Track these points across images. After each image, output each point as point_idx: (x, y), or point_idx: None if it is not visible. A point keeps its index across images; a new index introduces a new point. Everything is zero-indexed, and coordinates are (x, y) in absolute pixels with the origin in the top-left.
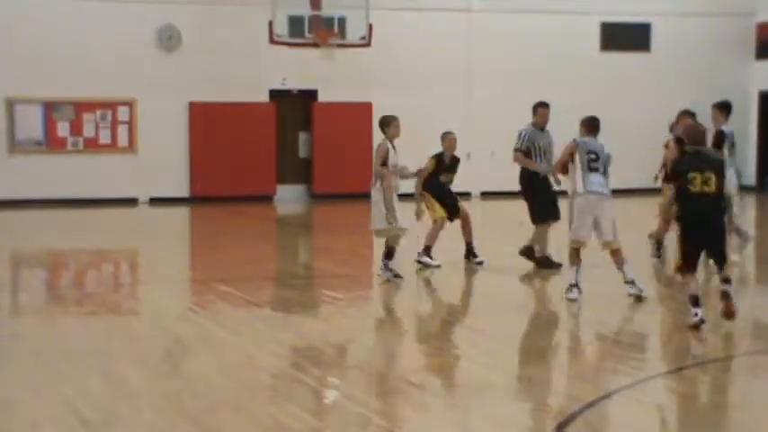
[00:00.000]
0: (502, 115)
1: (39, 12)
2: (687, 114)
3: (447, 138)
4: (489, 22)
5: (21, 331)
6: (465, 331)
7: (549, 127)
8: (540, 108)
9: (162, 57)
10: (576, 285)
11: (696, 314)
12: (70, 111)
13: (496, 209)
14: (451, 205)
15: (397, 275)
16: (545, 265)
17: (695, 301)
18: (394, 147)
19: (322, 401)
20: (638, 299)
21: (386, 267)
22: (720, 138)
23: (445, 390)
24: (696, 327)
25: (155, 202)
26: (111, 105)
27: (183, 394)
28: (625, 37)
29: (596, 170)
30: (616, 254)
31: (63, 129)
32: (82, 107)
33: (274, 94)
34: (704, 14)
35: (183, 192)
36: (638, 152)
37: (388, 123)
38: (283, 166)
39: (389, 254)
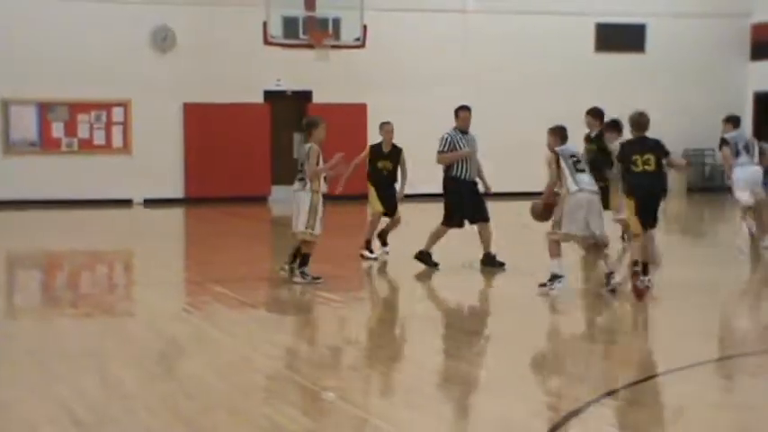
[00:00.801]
0: (498, 116)
1: (33, 12)
2: (613, 127)
3: (384, 128)
4: (484, 23)
5: (15, 332)
6: (459, 332)
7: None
8: (461, 112)
9: (156, 58)
10: (558, 277)
11: (645, 280)
12: (65, 111)
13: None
14: (390, 201)
15: (316, 278)
16: (424, 259)
17: (644, 268)
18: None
19: (317, 403)
20: (613, 291)
21: (303, 274)
22: (722, 143)
23: (440, 390)
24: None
25: (149, 203)
26: (106, 106)
27: (177, 395)
28: (620, 38)
29: (582, 170)
30: (602, 248)
31: (57, 129)
32: (76, 108)
33: (269, 95)
34: (699, 15)
35: (178, 193)
36: None
37: (316, 125)
38: (278, 167)
39: (305, 260)
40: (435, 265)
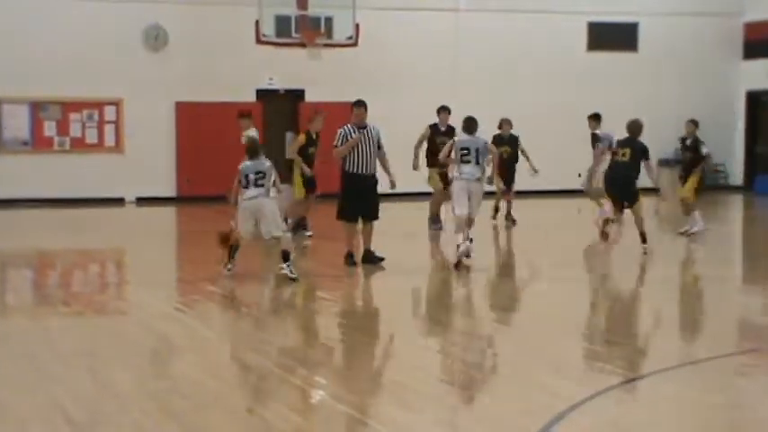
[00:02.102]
0: (489, 115)
1: (25, 12)
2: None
3: (316, 119)
4: (476, 22)
5: (8, 331)
6: (452, 331)
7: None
8: (355, 108)
9: (149, 56)
10: (468, 240)
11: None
12: (57, 110)
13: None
14: (312, 187)
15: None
16: (348, 260)
17: (606, 223)
18: None
19: (309, 401)
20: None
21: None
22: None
23: (433, 389)
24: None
25: (142, 201)
26: (98, 105)
27: (170, 394)
28: (612, 36)
29: (468, 162)
30: (470, 224)
31: (50, 128)
32: (69, 107)
33: (261, 93)
34: (691, 14)
35: (171, 191)
36: None
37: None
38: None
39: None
40: (354, 264)
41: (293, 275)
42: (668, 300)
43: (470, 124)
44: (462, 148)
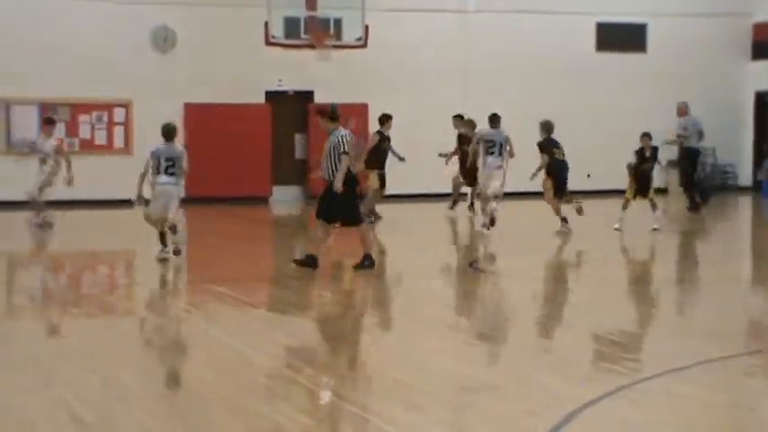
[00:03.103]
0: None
1: (35, 13)
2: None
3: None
4: (485, 23)
5: (15, 332)
6: (458, 331)
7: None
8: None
9: (157, 58)
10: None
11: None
12: (66, 112)
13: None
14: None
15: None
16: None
17: (557, 211)
18: None
19: (316, 402)
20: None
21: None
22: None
23: (439, 390)
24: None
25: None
26: (107, 107)
27: (177, 395)
28: (621, 37)
29: (492, 153)
30: (497, 198)
31: (59, 130)
32: (77, 108)
33: (270, 95)
34: (700, 15)
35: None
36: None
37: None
38: (279, 168)
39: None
40: (316, 266)
41: (166, 255)
42: (675, 300)
43: (495, 119)
44: (488, 141)
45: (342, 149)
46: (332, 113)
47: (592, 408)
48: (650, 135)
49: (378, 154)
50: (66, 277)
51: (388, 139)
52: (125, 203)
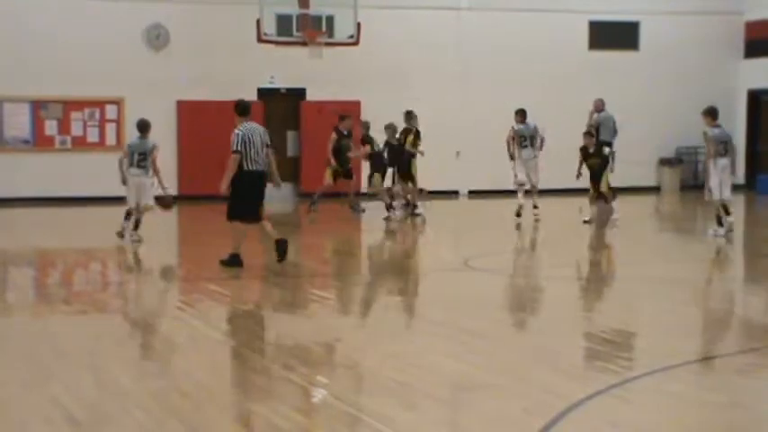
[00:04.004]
0: (491, 113)
1: (26, 10)
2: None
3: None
4: (478, 21)
5: (8, 330)
6: (453, 330)
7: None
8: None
9: (150, 55)
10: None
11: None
12: (58, 109)
13: (483, 207)
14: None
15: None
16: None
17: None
18: None
19: (310, 400)
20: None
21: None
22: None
23: (434, 388)
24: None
25: None
26: (99, 104)
27: (170, 393)
28: (613, 35)
29: (526, 147)
30: (534, 189)
31: (51, 127)
32: (70, 106)
33: (262, 92)
34: (693, 13)
35: (171, 190)
36: (632, 151)
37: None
38: None
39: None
40: (241, 264)
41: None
42: (669, 298)
43: (523, 114)
44: (521, 136)
45: (232, 148)
46: (235, 108)
47: (585, 405)
48: (592, 133)
49: (336, 150)
50: (58, 275)
51: (347, 136)
52: (118, 201)
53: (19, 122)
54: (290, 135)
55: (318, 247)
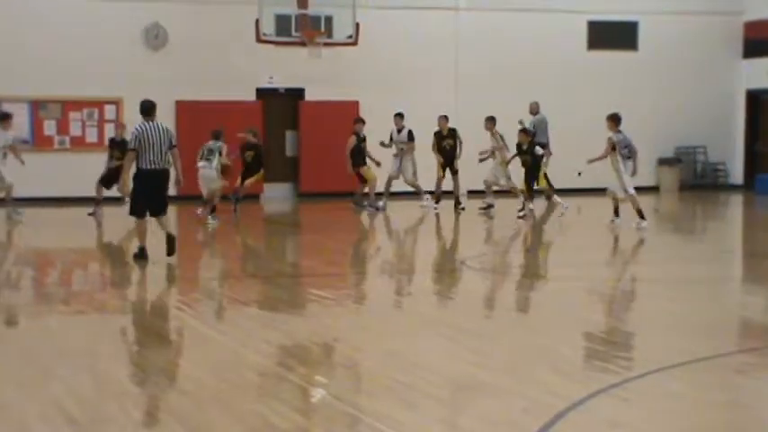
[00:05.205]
0: (489, 114)
1: (25, 10)
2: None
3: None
4: (476, 21)
5: (8, 330)
6: (452, 330)
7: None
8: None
9: (148, 55)
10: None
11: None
12: (57, 109)
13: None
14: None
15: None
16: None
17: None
18: None
19: (309, 400)
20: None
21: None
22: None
23: (434, 388)
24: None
25: None
26: (98, 104)
27: (170, 393)
28: (612, 35)
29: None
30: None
31: (50, 127)
32: (69, 106)
33: (261, 92)
34: (691, 13)
35: (170, 190)
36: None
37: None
38: (270, 165)
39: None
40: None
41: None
42: (668, 298)
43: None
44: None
45: (129, 145)
46: (139, 107)
47: (585, 405)
48: (527, 131)
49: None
50: (57, 275)
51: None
52: (116, 201)
53: (18, 123)
54: (289, 135)
55: (318, 247)
